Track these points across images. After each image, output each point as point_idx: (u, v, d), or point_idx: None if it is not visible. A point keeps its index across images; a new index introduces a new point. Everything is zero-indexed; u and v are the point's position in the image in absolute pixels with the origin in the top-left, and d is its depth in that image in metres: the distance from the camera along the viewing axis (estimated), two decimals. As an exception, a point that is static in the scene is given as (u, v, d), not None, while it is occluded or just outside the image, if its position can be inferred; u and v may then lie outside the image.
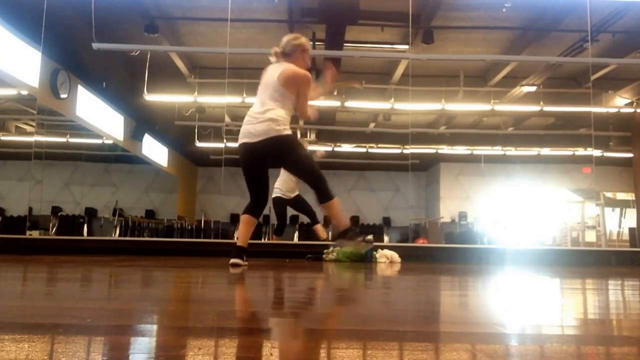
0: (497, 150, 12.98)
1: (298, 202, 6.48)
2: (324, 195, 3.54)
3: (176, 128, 11.41)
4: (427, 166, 14.63)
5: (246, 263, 3.50)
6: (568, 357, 0.98)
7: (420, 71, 9.07)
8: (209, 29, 8.33)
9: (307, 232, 14.25)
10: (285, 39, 3.72)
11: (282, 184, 6.36)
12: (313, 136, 12.74)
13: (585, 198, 11.78)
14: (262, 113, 3.47)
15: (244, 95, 9.65)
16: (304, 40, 3.73)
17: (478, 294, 2.37)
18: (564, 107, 10.65)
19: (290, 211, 7.18)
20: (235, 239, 3.74)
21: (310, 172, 3.59)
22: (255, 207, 3.66)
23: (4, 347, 0.92)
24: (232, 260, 3.44)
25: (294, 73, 3.50)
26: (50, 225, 10.50)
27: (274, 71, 3.56)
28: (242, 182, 3.78)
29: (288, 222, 6.93)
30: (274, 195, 6.33)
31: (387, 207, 14.84)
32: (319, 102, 10.31)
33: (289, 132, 3.51)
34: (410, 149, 10.64)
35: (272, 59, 3.73)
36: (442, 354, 1.01)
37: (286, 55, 3.66)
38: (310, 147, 12.79)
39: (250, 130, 3.49)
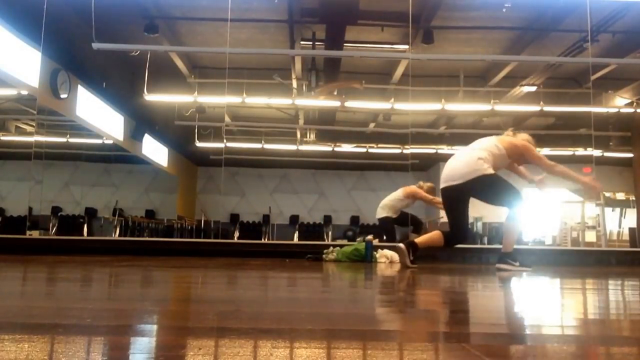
0: (497, 150, 12.95)
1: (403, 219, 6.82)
2: (510, 217, 3.99)
3: (176, 128, 11.41)
4: (427, 166, 14.62)
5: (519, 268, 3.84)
6: (568, 357, 0.98)
7: (420, 71, 9.07)
8: (209, 29, 8.33)
9: (307, 232, 14.29)
10: None
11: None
12: (313, 136, 12.75)
13: (585, 198, 11.78)
14: None
15: (244, 95, 9.65)
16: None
17: (478, 294, 2.37)
18: (564, 107, 10.65)
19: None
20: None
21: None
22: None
23: (4, 347, 0.92)
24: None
25: None
26: (50, 225, 10.50)
27: None
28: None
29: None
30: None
31: (387, 207, 14.81)
32: (320, 102, 10.35)
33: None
34: (410, 149, 10.64)
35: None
36: (442, 354, 1.01)
37: None
38: (309, 147, 12.82)
39: None
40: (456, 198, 3.92)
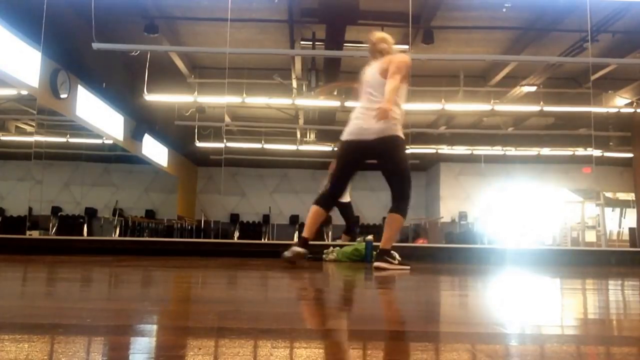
0: (497, 150, 12.99)
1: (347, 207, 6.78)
2: (402, 208, 3.64)
3: (176, 128, 11.42)
4: (427, 166, 14.63)
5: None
6: (568, 357, 0.98)
7: (420, 71, 9.07)
8: (209, 29, 8.33)
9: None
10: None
11: None
12: (313, 136, 12.75)
13: (585, 198, 11.79)
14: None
15: (244, 95, 9.65)
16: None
17: (478, 294, 2.37)
18: (564, 107, 10.65)
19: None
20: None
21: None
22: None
23: (4, 347, 0.92)
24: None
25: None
26: (50, 225, 10.50)
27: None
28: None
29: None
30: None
31: (387, 207, 14.83)
32: (320, 102, 10.36)
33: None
34: (410, 149, 10.64)
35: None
36: (442, 354, 1.01)
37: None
38: (309, 147, 12.83)
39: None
40: (360, 154, 3.59)
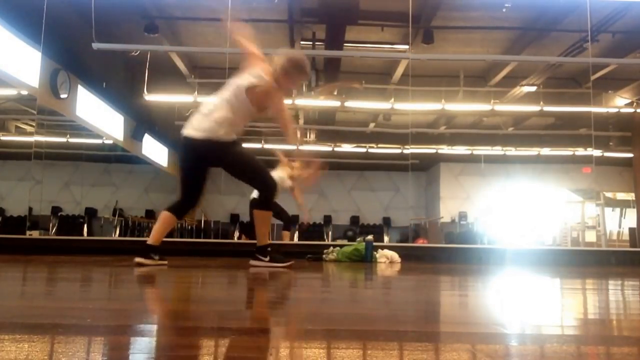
0: (497, 150, 12.98)
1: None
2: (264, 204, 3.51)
3: (176, 128, 11.38)
4: (427, 166, 14.63)
5: (158, 262, 3.36)
6: (568, 357, 0.98)
7: (420, 71, 9.08)
8: (209, 29, 8.33)
9: (307, 232, 14.26)
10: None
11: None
12: (313, 136, 12.75)
13: (585, 198, 11.79)
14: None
15: (244, 95, 9.63)
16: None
17: (478, 294, 2.37)
18: (564, 107, 10.65)
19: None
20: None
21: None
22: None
23: (4, 347, 0.92)
24: (137, 259, 3.33)
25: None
26: (50, 225, 10.51)
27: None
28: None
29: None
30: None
31: (387, 207, 14.84)
32: (320, 102, 10.36)
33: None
34: (410, 149, 10.64)
35: None
36: (442, 354, 1.01)
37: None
38: (309, 147, 12.81)
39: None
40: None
